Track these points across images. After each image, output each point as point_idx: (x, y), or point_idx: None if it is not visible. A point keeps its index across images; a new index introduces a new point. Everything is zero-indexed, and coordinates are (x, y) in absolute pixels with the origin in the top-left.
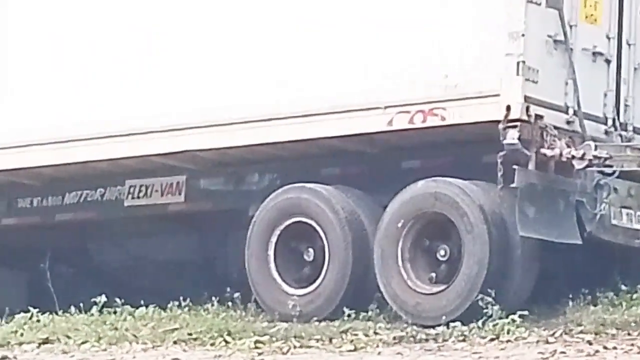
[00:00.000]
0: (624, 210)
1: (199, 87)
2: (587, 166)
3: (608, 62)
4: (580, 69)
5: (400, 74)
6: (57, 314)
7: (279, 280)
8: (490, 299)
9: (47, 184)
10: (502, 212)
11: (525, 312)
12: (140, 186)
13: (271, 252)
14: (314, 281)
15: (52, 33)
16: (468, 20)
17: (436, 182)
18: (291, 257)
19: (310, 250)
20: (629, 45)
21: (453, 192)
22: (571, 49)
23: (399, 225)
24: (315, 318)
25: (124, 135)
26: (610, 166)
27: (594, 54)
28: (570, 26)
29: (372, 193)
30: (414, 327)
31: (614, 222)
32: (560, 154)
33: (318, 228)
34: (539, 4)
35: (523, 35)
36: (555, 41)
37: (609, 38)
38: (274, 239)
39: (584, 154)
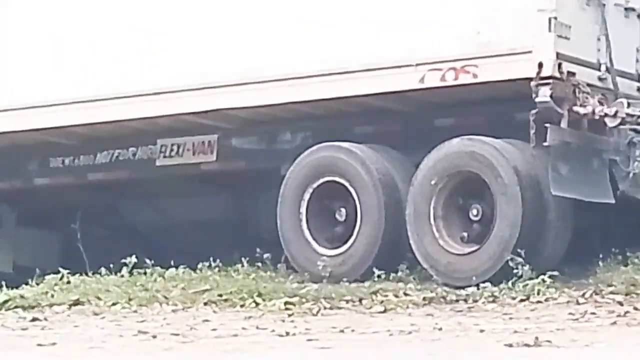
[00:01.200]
0: None
1: (230, 44)
2: (620, 124)
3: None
4: (612, 25)
5: (432, 30)
6: (87, 275)
7: (310, 239)
8: (520, 260)
9: (79, 143)
10: (536, 174)
11: (556, 273)
12: (172, 145)
13: (303, 210)
14: (346, 242)
15: None
16: None
17: (472, 140)
18: (323, 216)
19: (343, 210)
20: None
21: (489, 152)
22: (603, 5)
23: (433, 182)
24: (345, 279)
25: (156, 94)
26: None
27: (626, 9)
28: None
29: (405, 151)
30: (445, 288)
31: None
32: (593, 112)
33: (351, 189)
34: None
35: None
36: None
37: None
38: (306, 197)
39: (616, 112)
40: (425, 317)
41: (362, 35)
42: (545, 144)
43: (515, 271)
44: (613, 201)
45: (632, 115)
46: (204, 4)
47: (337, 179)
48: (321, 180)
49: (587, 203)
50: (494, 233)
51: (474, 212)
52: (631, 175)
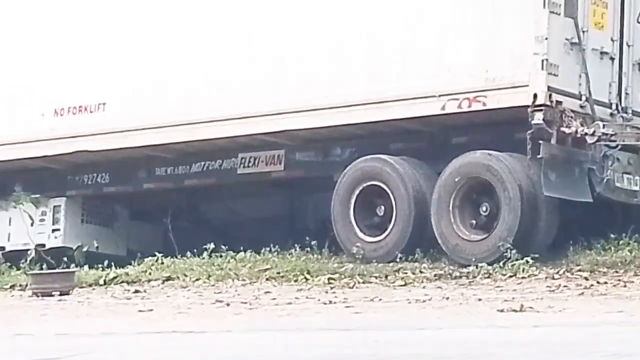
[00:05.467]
0: (625, 176)
1: (294, 81)
2: (597, 141)
3: (612, 59)
4: (590, 64)
5: (451, 69)
6: (176, 257)
7: (354, 223)
8: (509, 245)
9: (178, 156)
10: (535, 189)
11: (537, 255)
12: (250, 157)
13: (352, 201)
14: (381, 233)
15: (179, 27)
16: (504, 27)
17: (491, 156)
18: (367, 208)
19: (382, 207)
20: (629, 46)
21: (501, 168)
22: (584, 49)
23: (456, 180)
24: (375, 261)
25: (238, 118)
26: (614, 141)
27: (601, 53)
28: (583, 31)
29: (428, 162)
30: (451, 267)
31: (617, 184)
32: (576, 132)
33: (390, 194)
34: (559, 14)
35: (546, 38)
36: (571, 43)
37: (613, 40)
38: (356, 192)
39: (594, 131)
40: (435, 289)
41: (396, 73)
42: (539, 156)
43: (505, 254)
44: (591, 200)
45: (606, 134)
46: (276, 48)
47: (380, 184)
48: (368, 183)
49: (569, 201)
50: (494, 232)
51: (484, 208)
52: (605, 180)
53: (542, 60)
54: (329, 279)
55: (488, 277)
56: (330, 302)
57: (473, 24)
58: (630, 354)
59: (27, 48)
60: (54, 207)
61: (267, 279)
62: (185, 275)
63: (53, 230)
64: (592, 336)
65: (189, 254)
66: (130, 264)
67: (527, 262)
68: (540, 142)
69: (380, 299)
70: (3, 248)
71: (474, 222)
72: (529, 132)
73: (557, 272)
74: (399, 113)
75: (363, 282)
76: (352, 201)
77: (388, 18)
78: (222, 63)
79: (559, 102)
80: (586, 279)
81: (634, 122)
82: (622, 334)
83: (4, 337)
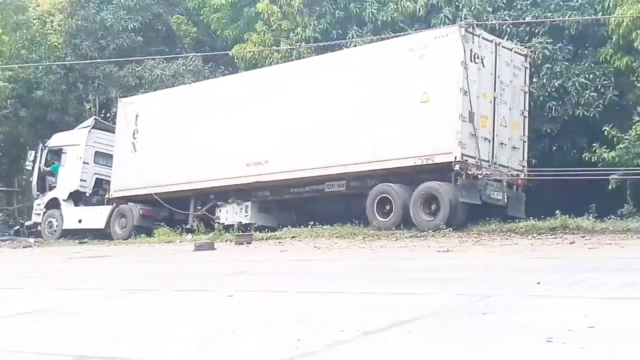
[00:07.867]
0: (495, 192)
1: (349, 151)
2: (483, 177)
3: (489, 141)
4: (480, 144)
5: (419, 146)
6: (296, 227)
7: (376, 213)
8: (443, 223)
9: (299, 183)
10: (456, 197)
11: (454, 227)
12: (330, 183)
13: (375, 203)
14: (387, 218)
15: (299, 125)
16: (442, 128)
17: (438, 183)
18: (381, 207)
19: (388, 206)
20: (496, 135)
21: (443, 189)
22: (477, 137)
23: (422, 193)
24: (384, 229)
25: (326, 167)
26: (490, 177)
27: (477, 137)
28: (476, 129)
29: (409, 185)
30: (417, 232)
31: (491, 196)
32: (474, 173)
33: (392, 200)
34: (466, 122)
35: (460, 132)
36: (471, 134)
37: (490, 133)
38: (376, 200)
39: (481, 173)
40: (410, 242)
41: (393, 147)
42: (457, 183)
43: (441, 227)
44: (480, 203)
45: (487, 174)
46: (346, 130)
47: (388, 196)
48: (382, 195)
49: (470, 203)
50: (437, 217)
51: (433, 206)
52: (486, 194)
53: (459, 142)
54: (363, 237)
55: (433, 237)
56: (363, 247)
57: (430, 127)
58: (497, 269)
59: (231, 133)
60: (245, 205)
61: (335, 237)
62: (300, 235)
63: (245, 216)
64: (480, 262)
65: (302, 226)
66: (277, 230)
67: (450, 230)
68: (458, 177)
69: (386, 246)
70: (223, 223)
71: (428, 212)
72: (453, 172)
73: (464, 234)
74: (395, 165)
75: (379, 239)
76: (375, 203)
77: (389, 126)
78: (318, 141)
79: (466, 160)
80: (476, 237)
81: (498, 169)
82: (494, 262)
83: (223, 261)
